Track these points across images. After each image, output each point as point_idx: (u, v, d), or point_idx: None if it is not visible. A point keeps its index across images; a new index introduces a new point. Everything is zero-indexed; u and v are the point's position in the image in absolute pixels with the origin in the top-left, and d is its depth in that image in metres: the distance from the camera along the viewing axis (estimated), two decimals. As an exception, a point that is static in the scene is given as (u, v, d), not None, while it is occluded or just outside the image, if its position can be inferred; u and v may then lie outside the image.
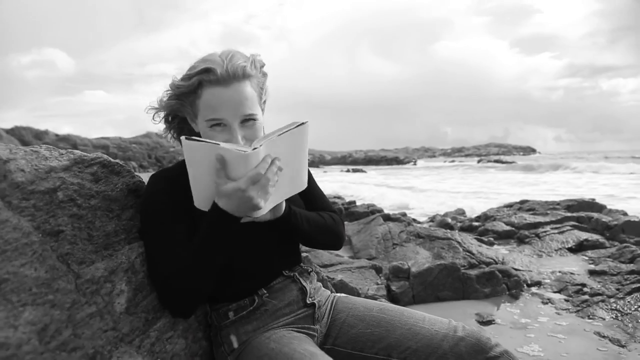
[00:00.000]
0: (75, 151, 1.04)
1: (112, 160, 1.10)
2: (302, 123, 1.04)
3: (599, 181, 16.88)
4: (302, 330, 1.17)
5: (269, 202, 1.03)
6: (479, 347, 1.08)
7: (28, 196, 0.89)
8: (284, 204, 1.13)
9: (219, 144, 0.95)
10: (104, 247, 0.99)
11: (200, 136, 1.09)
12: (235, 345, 1.13)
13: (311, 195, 1.31)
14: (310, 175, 1.30)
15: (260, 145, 0.95)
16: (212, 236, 1.00)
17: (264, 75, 1.14)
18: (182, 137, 0.96)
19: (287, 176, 1.05)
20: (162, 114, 1.17)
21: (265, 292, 1.17)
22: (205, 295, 1.07)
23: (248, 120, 1.06)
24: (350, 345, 1.18)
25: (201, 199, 1.03)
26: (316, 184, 1.36)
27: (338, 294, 1.32)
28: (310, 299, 1.22)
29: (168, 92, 1.12)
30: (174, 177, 1.12)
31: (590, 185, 15.44)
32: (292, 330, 1.16)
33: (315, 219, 1.23)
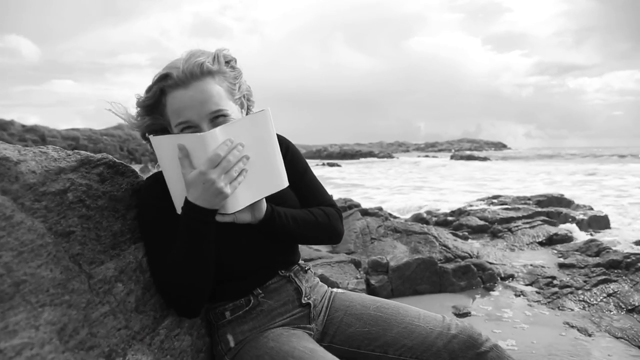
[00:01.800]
0: (82, 152, 1.05)
1: (117, 160, 1.11)
2: (262, 110, 1.05)
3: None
4: (299, 330, 1.19)
5: (243, 196, 1.01)
6: (470, 343, 1.14)
7: (40, 197, 0.90)
8: (264, 206, 1.11)
9: (179, 134, 0.97)
10: (112, 247, 1.01)
11: None
12: (232, 344, 1.15)
13: (305, 190, 1.28)
14: (306, 170, 1.30)
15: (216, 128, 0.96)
16: (188, 232, 0.99)
17: (234, 69, 1.11)
18: (150, 136, 0.98)
19: (259, 170, 1.04)
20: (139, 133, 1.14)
21: (260, 292, 1.18)
22: (204, 293, 1.07)
23: (217, 117, 1.03)
24: (348, 344, 1.22)
25: (179, 203, 1.04)
26: (313, 178, 1.33)
27: (335, 290, 1.35)
28: (305, 299, 1.23)
29: (137, 110, 1.10)
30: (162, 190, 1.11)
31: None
32: (289, 328, 1.18)
33: (303, 217, 1.20)
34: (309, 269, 1.31)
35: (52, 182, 0.93)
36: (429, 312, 1.24)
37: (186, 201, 0.99)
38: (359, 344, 1.20)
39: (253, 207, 1.08)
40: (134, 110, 1.11)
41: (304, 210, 1.25)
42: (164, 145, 1.00)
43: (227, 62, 1.09)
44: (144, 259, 1.06)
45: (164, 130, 1.13)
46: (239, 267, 1.16)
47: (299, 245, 1.33)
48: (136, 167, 1.12)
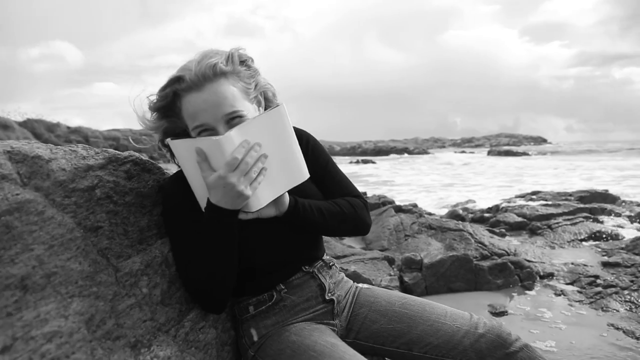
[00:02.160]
0: (110, 150, 1.09)
1: (143, 158, 1.15)
2: (277, 105, 1.03)
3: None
4: (322, 325, 1.19)
5: (264, 194, 1.02)
6: (498, 342, 1.10)
7: (69, 194, 0.94)
8: (287, 198, 1.11)
9: (197, 138, 0.97)
10: (139, 241, 1.04)
11: None
12: (255, 338, 1.16)
13: (329, 182, 1.27)
14: (328, 162, 1.28)
15: (232, 130, 0.95)
16: (212, 233, 1.00)
17: (249, 68, 1.09)
18: (169, 139, 0.99)
19: (279, 166, 1.03)
20: (157, 138, 1.14)
21: (283, 287, 1.19)
22: (228, 290, 1.08)
23: (233, 118, 1.01)
24: (372, 340, 1.21)
25: (202, 203, 1.05)
26: (336, 170, 1.31)
27: (361, 285, 1.34)
28: (329, 295, 1.23)
29: (153, 114, 1.09)
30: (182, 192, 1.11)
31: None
32: (312, 323, 1.18)
33: (328, 208, 1.19)
34: (334, 264, 1.31)
35: (81, 179, 0.97)
36: (456, 309, 1.21)
37: (209, 202, 1.00)
38: (383, 341, 1.19)
39: (276, 200, 1.08)
40: (149, 114, 1.10)
41: (329, 201, 1.23)
42: (182, 149, 1.02)
43: (242, 62, 1.07)
44: (170, 254, 1.09)
45: (184, 132, 1.12)
46: (262, 263, 1.17)
47: (325, 241, 1.33)
48: (174, 166, 1.15)
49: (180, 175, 1.13)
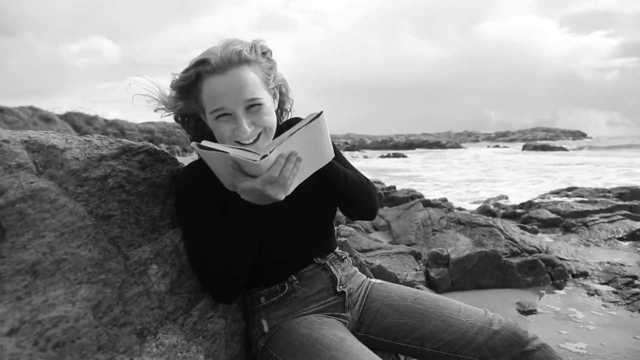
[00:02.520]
0: (124, 140, 1.10)
1: (157, 148, 1.16)
2: (318, 115, 0.98)
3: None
4: (332, 318, 1.18)
5: (293, 185, 1.00)
6: (514, 340, 1.07)
7: (82, 183, 0.96)
8: None
9: (227, 153, 0.92)
10: (150, 230, 1.06)
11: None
12: (266, 329, 1.16)
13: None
14: (338, 152, 1.24)
15: (271, 152, 0.92)
16: (237, 224, 1.02)
17: (269, 60, 1.11)
18: (193, 144, 0.96)
19: (310, 160, 1.02)
20: (172, 115, 1.16)
21: (295, 279, 1.19)
22: (242, 281, 1.09)
23: (252, 105, 1.03)
24: (384, 334, 1.19)
25: (228, 184, 1.03)
26: (346, 160, 1.30)
27: (374, 280, 1.32)
28: (340, 287, 1.22)
29: (172, 92, 1.11)
30: (205, 167, 1.08)
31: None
32: (322, 316, 1.17)
33: (352, 176, 1.18)
34: (346, 257, 1.30)
35: (93, 169, 0.99)
36: (470, 306, 1.18)
37: (238, 197, 1.00)
38: (395, 336, 1.17)
39: None
40: (168, 91, 1.11)
41: (354, 170, 1.23)
42: (212, 158, 0.97)
43: (264, 53, 1.09)
44: (181, 243, 1.10)
45: (195, 115, 1.15)
46: (275, 254, 1.17)
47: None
48: (189, 159, 1.15)
49: (195, 166, 1.14)
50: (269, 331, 1.16)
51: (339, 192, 1.16)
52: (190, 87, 1.07)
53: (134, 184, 1.06)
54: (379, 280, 1.32)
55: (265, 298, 1.19)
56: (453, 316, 1.15)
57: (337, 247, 1.31)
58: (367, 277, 1.33)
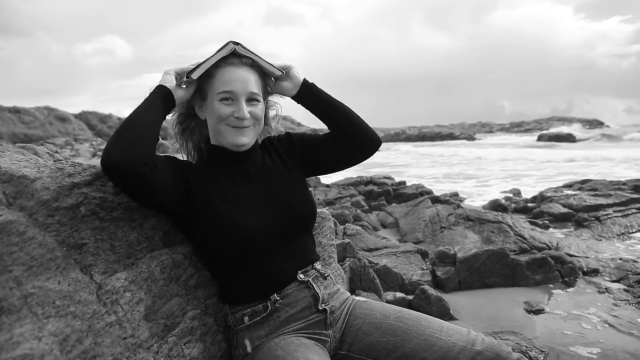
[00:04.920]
0: (97, 165, 1.10)
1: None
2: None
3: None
4: (314, 336, 1.18)
5: None
6: None
7: (53, 213, 0.96)
8: (300, 75, 1.32)
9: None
10: (127, 256, 1.05)
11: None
12: (249, 349, 1.17)
13: (320, 137, 1.37)
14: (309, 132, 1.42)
15: None
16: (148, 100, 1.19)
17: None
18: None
19: None
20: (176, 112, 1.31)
21: (278, 298, 1.19)
22: (137, 144, 1.04)
23: (253, 99, 1.23)
24: (365, 353, 1.18)
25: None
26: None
27: (357, 298, 1.31)
28: (322, 305, 1.22)
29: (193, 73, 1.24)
30: (189, 163, 1.28)
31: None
32: (302, 335, 1.17)
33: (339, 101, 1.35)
34: (329, 275, 1.29)
35: (65, 197, 0.98)
36: (454, 325, 1.15)
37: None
38: (377, 354, 1.16)
39: (290, 77, 1.31)
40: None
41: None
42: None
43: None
44: (157, 269, 1.09)
45: (197, 123, 1.34)
46: (257, 272, 1.17)
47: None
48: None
49: (187, 162, 1.28)
50: (252, 352, 1.16)
51: (333, 104, 1.33)
52: (207, 71, 1.22)
53: (109, 210, 1.05)
54: (362, 298, 1.31)
55: (249, 318, 1.18)
56: (435, 335, 1.13)
57: (319, 264, 1.29)
58: (351, 295, 1.32)
